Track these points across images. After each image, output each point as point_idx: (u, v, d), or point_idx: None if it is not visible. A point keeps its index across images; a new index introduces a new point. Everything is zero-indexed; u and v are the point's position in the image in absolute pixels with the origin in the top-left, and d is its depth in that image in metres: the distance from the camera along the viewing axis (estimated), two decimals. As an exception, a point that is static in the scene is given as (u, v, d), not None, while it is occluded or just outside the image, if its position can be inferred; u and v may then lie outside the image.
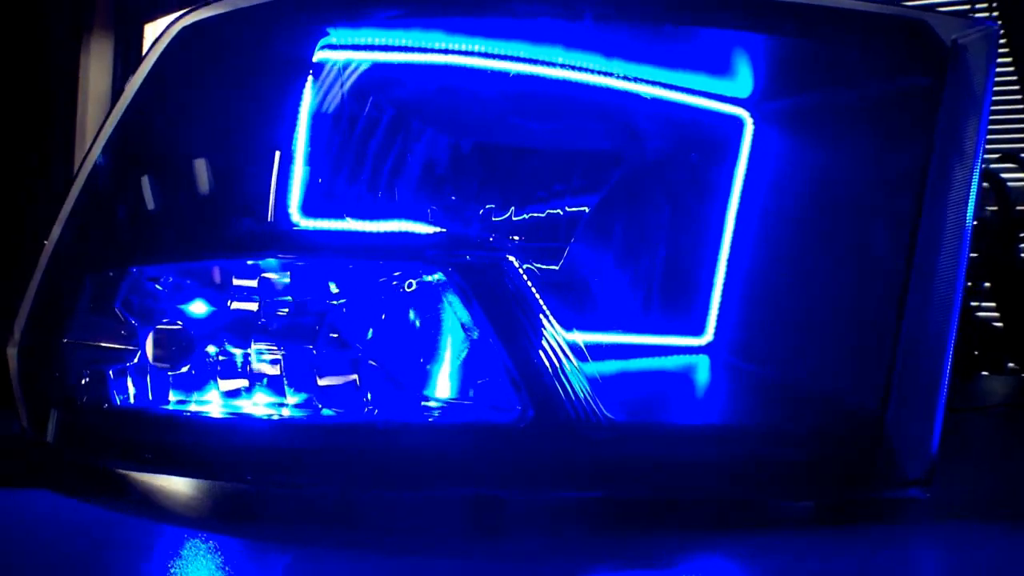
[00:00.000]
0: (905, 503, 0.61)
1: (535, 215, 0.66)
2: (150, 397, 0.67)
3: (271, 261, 0.64)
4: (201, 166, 0.66)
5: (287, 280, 0.64)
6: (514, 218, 0.65)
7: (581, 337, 0.59)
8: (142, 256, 0.67)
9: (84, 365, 0.67)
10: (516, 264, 0.57)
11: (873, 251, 0.63)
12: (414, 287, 0.60)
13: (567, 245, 0.66)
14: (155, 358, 0.66)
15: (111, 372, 0.67)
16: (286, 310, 0.64)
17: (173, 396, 0.66)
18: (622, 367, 0.66)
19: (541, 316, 0.57)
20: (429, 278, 0.59)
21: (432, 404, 0.60)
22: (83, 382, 0.67)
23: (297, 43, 0.66)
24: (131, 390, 0.67)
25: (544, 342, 0.57)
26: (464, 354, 0.59)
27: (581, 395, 0.56)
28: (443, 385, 0.60)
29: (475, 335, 0.58)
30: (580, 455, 0.57)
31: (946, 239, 0.61)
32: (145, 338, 0.66)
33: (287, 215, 0.61)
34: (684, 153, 0.72)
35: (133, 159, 0.69)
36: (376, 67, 0.65)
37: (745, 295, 0.67)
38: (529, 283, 0.58)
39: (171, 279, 0.67)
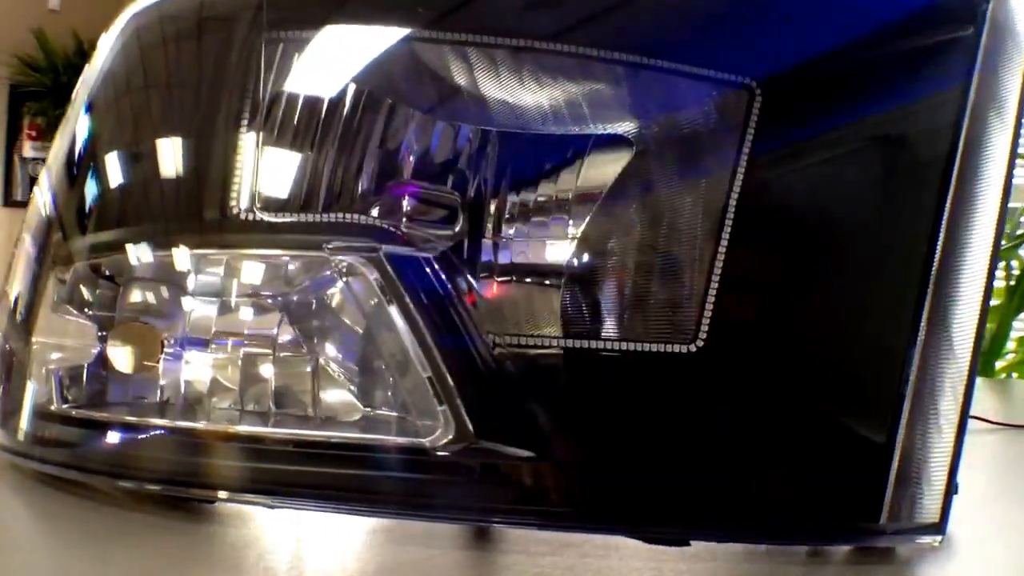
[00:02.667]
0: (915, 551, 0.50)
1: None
2: (106, 399, 0.64)
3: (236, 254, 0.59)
4: (154, 158, 0.63)
5: (244, 274, 0.59)
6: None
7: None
8: (98, 251, 0.64)
9: (41, 365, 0.65)
10: (438, 259, 0.50)
11: (888, 240, 0.52)
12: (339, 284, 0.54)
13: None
14: (110, 359, 0.63)
15: (64, 373, 0.64)
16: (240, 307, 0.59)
17: (127, 399, 0.63)
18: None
19: (469, 321, 0.49)
20: (346, 275, 0.52)
21: (352, 418, 0.53)
22: (42, 383, 0.64)
23: (246, 26, 0.61)
24: (85, 392, 0.64)
25: (473, 351, 0.49)
26: (387, 360, 0.52)
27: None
28: (363, 394, 0.54)
29: (395, 339, 0.51)
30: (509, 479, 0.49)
31: (976, 226, 0.50)
32: (101, 337, 0.63)
33: (243, 206, 0.56)
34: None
35: (90, 154, 0.66)
36: (334, 43, 0.59)
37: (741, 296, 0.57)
38: (461, 282, 0.50)
39: (126, 274, 0.64)
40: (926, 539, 0.48)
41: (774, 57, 0.54)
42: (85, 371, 0.63)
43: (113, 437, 0.59)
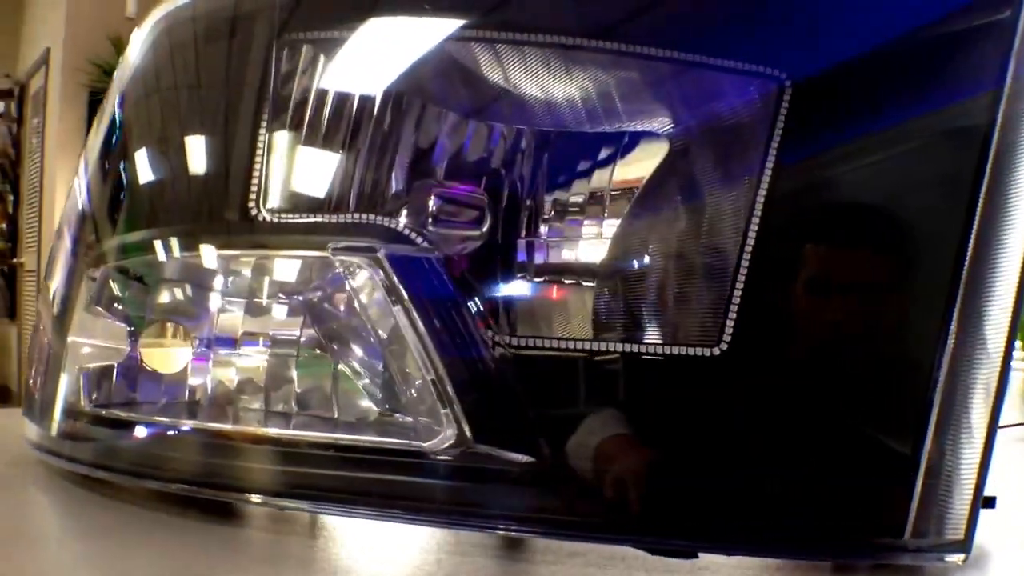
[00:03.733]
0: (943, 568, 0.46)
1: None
2: (136, 399, 0.65)
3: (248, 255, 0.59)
4: (180, 160, 0.63)
5: (269, 276, 0.60)
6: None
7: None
8: (124, 253, 0.65)
9: (74, 364, 0.66)
10: (441, 260, 0.49)
11: (917, 238, 0.49)
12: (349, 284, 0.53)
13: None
14: (139, 359, 0.64)
15: (94, 372, 0.65)
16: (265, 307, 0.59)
17: (155, 398, 0.64)
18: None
19: (476, 323, 0.48)
20: (352, 276, 0.52)
21: (354, 420, 0.53)
22: (75, 381, 0.65)
23: (267, 28, 0.61)
24: (115, 390, 0.65)
25: (476, 354, 0.48)
26: (391, 362, 0.51)
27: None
28: (372, 396, 0.53)
29: (399, 340, 0.50)
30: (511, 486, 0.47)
31: (1011, 219, 0.47)
32: (129, 338, 0.64)
33: (257, 207, 0.56)
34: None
35: (114, 151, 0.67)
36: (353, 45, 0.59)
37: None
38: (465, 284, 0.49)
39: (154, 276, 0.64)
40: (951, 557, 0.45)
41: (805, 51, 0.52)
42: (114, 371, 0.65)
43: (137, 435, 0.59)
